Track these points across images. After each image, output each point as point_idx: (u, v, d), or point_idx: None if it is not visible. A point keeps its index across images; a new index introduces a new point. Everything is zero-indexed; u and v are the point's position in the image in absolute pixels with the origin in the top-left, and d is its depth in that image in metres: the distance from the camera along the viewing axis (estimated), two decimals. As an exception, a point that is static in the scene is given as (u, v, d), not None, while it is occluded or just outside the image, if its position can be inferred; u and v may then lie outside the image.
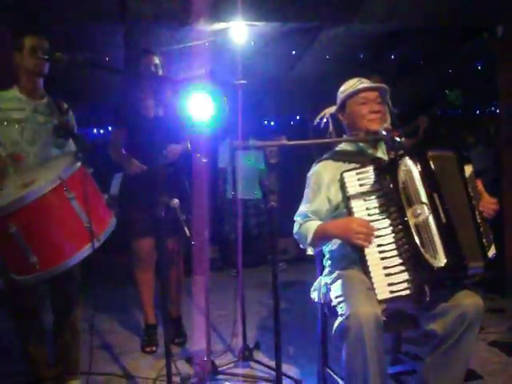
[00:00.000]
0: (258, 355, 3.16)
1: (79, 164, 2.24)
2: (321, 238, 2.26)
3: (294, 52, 4.60)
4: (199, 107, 3.37)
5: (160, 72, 3.34)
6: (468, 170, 2.25)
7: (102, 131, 6.80)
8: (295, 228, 2.35)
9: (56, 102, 2.71)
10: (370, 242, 2.09)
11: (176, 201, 2.92)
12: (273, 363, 2.98)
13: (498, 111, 6.86)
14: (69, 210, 2.13)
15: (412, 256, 2.08)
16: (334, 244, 2.35)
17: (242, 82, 2.93)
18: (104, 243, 2.29)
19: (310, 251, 2.39)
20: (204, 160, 2.95)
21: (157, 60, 3.33)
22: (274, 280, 2.07)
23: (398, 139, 2.13)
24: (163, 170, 3.16)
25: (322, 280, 2.40)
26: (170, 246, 3.41)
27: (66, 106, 2.75)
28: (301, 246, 2.37)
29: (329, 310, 2.37)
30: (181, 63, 3.88)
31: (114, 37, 3.84)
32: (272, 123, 7.12)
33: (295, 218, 2.37)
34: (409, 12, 3.75)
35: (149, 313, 3.53)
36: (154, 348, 3.41)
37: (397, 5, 3.64)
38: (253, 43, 4.16)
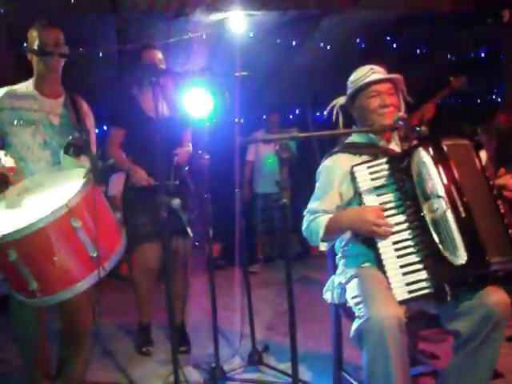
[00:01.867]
0: (268, 358, 3.05)
1: (90, 187, 2.05)
2: (334, 230, 2.15)
3: (293, 43, 4.47)
4: (198, 102, 3.26)
5: (163, 67, 3.19)
6: (483, 156, 2.12)
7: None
8: (304, 224, 2.23)
9: (73, 101, 2.51)
10: (387, 233, 1.99)
11: (177, 200, 2.81)
12: (283, 366, 2.89)
13: (499, 100, 6.75)
14: (74, 240, 1.98)
15: (430, 253, 1.97)
16: (347, 241, 2.24)
17: (244, 73, 2.79)
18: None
19: (322, 247, 2.27)
20: (206, 157, 2.82)
21: (160, 55, 3.19)
22: (288, 280, 1.92)
23: (417, 128, 1.99)
24: (169, 176, 3.01)
25: (336, 279, 2.28)
26: (174, 248, 3.25)
27: (84, 103, 2.57)
28: (311, 243, 2.25)
29: (344, 312, 2.25)
30: (178, 57, 3.75)
31: (105, 30, 3.70)
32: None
33: (304, 214, 2.25)
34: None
35: (145, 312, 3.43)
36: (150, 348, 3.30)
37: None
38: (252, 34, 4.02)
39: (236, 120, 3.24)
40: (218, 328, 3.53)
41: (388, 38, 4.54)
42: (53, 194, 2.09)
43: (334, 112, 2.33)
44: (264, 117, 6.21)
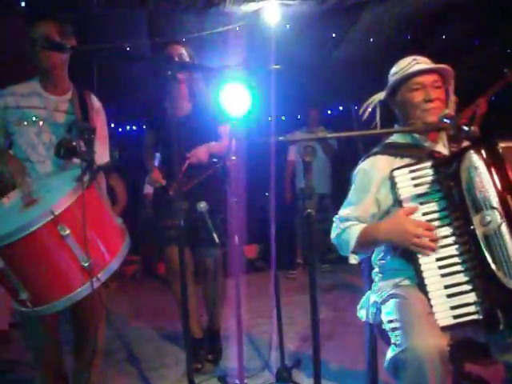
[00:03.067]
0: (298, 374, 2.83)
1: (81, 190, 1.91)
2: (367, 242, 1.92)
3: (333, 35, 4.21)
4: (235, 100, 3.05)
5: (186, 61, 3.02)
6: None
7: (134, 127, 6.57)
8: (333, 233, 2.01)
9: (82, 97, 2.40)
10: (432, 248, 1.75)
11: (203, 204, 2.65)
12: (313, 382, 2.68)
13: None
14: (62, 248, 1.85)
15: (481, 273, 1.72)
16: (384, 254, 1.99)
17: (277, 66, 2.58)
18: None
19: (352, 260, 2.02)
20: (233, 158, 2.63)
21: (182, 50, 3.01)
22: (312, 298, 1.73)
23: (466, 128, 1.72)
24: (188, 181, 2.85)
25: (371, 297, 2.04)
26: (203, 253, 3.13)
27: (94, 99, 2.46)
28: (341, 253, 2.03)
29: (380, 333, 2.01)
30: (213, 51, 3.57)
31: (136, 25, 3.56)
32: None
33: (334, 221, 2.03)
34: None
35: (193, 326, 3.19)
36: (200, 365, 3.10)
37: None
38: (288, 26, 3.79)
39: (269, 118, 3.02)
40: (250, 337, 3.37)
41: (436, 27, 4.22)
42: (48, 197, 1.98)
43: (369, 109, 2.09)
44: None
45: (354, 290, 4.32)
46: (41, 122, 2.33)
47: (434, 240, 1.77)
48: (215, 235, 2.69)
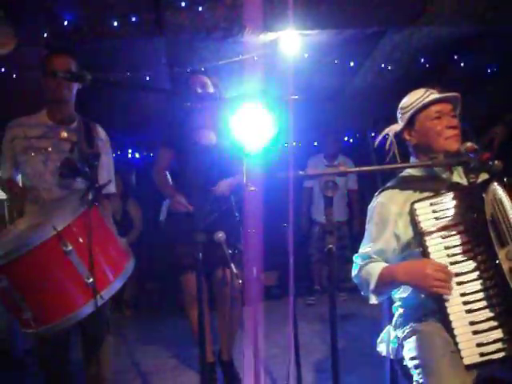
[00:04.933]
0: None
1: (84, 208, 1.95)
2: (387, 283, 1.87)
3: (351, 64, 4.23)
4: (253, 132, 3.04)
5: (210, 92, 3.02)
6: None
7: (152, 154, 6.64)
8: (354, 271, 1.97)
9: (87, 126, 2.49)
10: (449, 290, 1.70)
11: (221, 234, 2.64)
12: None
13: None
14: (65, 264, 1.87)
15: (507, 308, 1.67)
16: (405, 288, 1.94)
17: (295, 97, 2.58)
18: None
19: (373, 300, 1.94)
20: (252, 188, 2.61)
21: (206, 79, 3.02)
22: (332, 331, 1.68)
23: (490, 162, 1.69)
24: (210, 213, 2.85)
25: (392, 332, 1.98)
26: (219, 280, 3.13)
27: (99, 129, 2.55)
28: (362, 292, 1.97)
29: (401, 369, 1.95)
30: (230, 80, 3.59)
31: (155, 54, 3.61)
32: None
33: (354, 259, 1.98)
34: (482, 12, 3.30)
35: (206, 350, 3.21)
36: None
37: (470, 3, 3.19)
38: (306, 55, 3.81)
39: (286, 145, 3.01)
40: (266, 367, 3.30)
41: (455, 56, 4.21)
42: (48, 218, 2.01)
43: (388, 142, 2.06)
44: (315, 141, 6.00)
45: (371, 320, 4.24)
46: (48, 151, 2.40)
47: (451, 281, 1.72)
48: (233, 265, 2.67)
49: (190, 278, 3.09)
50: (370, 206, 2.03)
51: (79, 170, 2.15)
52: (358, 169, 1.78)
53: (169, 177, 3.25)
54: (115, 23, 2.78)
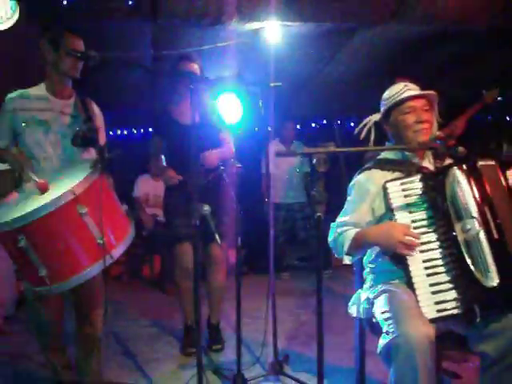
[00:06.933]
0: (288, 368, 3.05)
1: (96, 176, 2.12)
2: (359, 245, 2.15)
3: (326, 54, 4.47)
4: (229, 108, 3.31)
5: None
6: (510, 177, 2.11)
7: (125, 132, 6.80)
8: (330, 236, 2.24)
9: (83, 102, 2.61)
10: (413, 250, 2.00)
11: (206, 207, 2.83)
12: (303, 377, 2.90)
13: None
14: (80, 225, 2.04)
15: (461, 274, 1.97)
16: (376, 256, 2.23)
17: (278, 84, 2.82)
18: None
19: (346, 260, 2.27)
20: (238, 165, 2.85)
21: (195, 66, 3.25)
22: (318, 295, 1.96)
23: (455, 149, 1.99)
24: (199, 179, 3.06)
25: (363, 294, 2.27)
26: (208, 252, 3.40)
27: (94, 105, 2.68)
28: (336, 255, 2.26)
29: (370, 327, 2.24)
30: (210, 64, 3.78)
31: (142, 36, 3.75)
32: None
33: (331, 226, 2.26)
34: (449, 13, 3.60)
35: (188, 313, 3.49)
36: (194, 350, 3.31)
37: (436, 5, 3.48)
38: (285, 44, 4.03)
39: (256, 129, 3.24)
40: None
41: (422, 52, 4.51)
42: (62, 184, 2.15)
43: (366, 128, 2.33)
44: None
45: (335, 295, 4.53)
46: (48, 123, 2.51)
47: (416, 245, 2.00)
48: (217, 236, 2.88)
49: (183, 248, 3.36)
50: (350, 184, 2.30)
51: (94, 141, 2.30)
52: (348, 149, 2.02)
53: (163, 159, 3.49)
54: (112, 5, 2.90)
